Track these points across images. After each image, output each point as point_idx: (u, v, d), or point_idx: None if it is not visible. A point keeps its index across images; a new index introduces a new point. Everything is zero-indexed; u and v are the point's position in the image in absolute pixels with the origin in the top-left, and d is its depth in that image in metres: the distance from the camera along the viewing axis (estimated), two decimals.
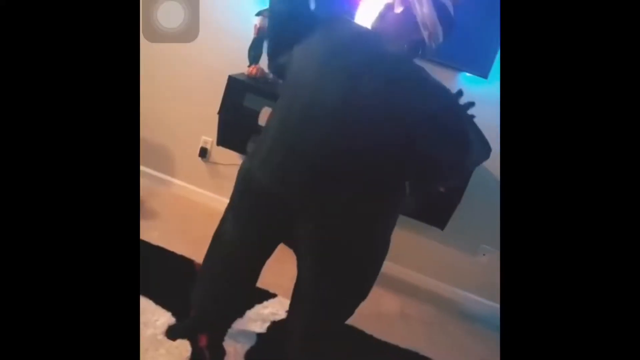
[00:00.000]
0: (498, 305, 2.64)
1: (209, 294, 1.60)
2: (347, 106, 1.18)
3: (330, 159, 1.20)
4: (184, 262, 2.20)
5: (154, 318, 1.78)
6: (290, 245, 1.48)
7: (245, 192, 1.38)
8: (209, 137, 2.74)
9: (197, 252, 2.27)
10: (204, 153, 2.80)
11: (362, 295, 1.43)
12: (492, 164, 2.46)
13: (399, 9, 1.27)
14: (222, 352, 1.74)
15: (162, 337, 1.71)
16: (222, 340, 1.79)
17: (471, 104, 1.28)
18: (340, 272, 1.34)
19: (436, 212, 2.43)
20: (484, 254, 2.64)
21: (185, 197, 2.86)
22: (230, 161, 2.76)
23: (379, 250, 1.37)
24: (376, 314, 2.36)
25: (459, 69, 2.36)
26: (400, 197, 1.32)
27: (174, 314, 1.82)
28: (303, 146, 1.21)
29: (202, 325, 1.74)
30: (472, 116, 1.32)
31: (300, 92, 1.24)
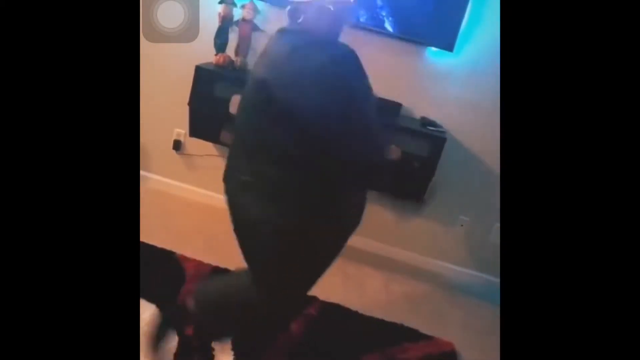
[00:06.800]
0: (479, 274, 2.72)
1: None
2: None
3: None
4: (165, 255, 2.20)
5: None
6: None
7: None
8: (182, 129, 2.73)
9: (178, 245, 2.28)
10: (177, 145, 2.79)
11: None
12: (463, 135, 2.51)
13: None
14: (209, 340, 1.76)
15: (147, 329, 1.72)
16: None
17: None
18: None
19: (411, 187, 2.47)
20: (461, 225, 2.70)
21: (162, 191, 2.85)
22: (205, 152, 2.75)
23: None
24: (360, 291, 2.40)
25: (425, 43, 2.38)
26: None
27: (158, 306, 1.83)
28: None
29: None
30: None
31: None
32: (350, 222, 1.43)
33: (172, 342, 1.70)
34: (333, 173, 1.28)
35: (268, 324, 1.56)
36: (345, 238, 1.44)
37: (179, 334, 1.73)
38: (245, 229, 1.39)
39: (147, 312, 1.80)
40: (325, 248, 1.41)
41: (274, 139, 1.26)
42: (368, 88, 1.26)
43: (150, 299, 1.86)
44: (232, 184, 1.40)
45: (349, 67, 1.22)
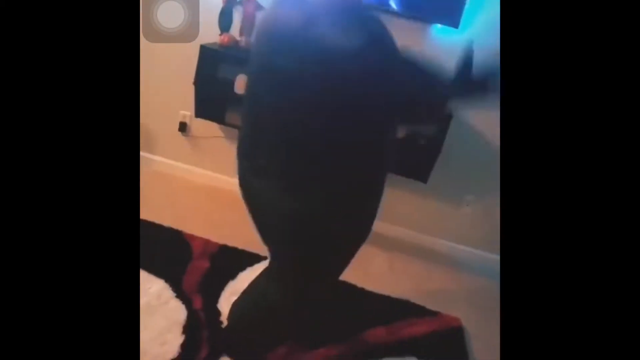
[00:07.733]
0: (484, 253, 2.72)
1: None
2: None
3: None
4: (172, 233, 2.22)
5: (147, 286, 1.81)
6: None
7: None
8: (188, 112, 2.73)
9: (185, 224, 2.30)
10: (183, 127, 2.80)
11: None
12: (469, 113, 2.50)
13: None
14: (217, 313, 1.78)
15: (156, 303, 1.74)
16: (217, 302, 1.83)
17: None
18: None
19: (418, 166, 2.46)
20: (467, 205, 2.70)
21: (168, 174, 2.87)
22: (211, 134, 2.76)
23: None
24: (366, 270, 2.41)
25: (429, 20, 2.37)
26: None
27: (166, 281, 1.86)
28: None
29: None
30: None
31: None
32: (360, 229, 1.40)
33: (181, 316, 1.72)
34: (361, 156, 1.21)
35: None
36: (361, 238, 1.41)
37: (187, 308, 1.76)
38: (260, 214, 1.31)
39: (155, 286, 1.82)
40: (346, 240, 1.36)
41: (294, 121, 1.12)
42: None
43: (158, 275, 1.88)
44: (245, 166, 1.30)
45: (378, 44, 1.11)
